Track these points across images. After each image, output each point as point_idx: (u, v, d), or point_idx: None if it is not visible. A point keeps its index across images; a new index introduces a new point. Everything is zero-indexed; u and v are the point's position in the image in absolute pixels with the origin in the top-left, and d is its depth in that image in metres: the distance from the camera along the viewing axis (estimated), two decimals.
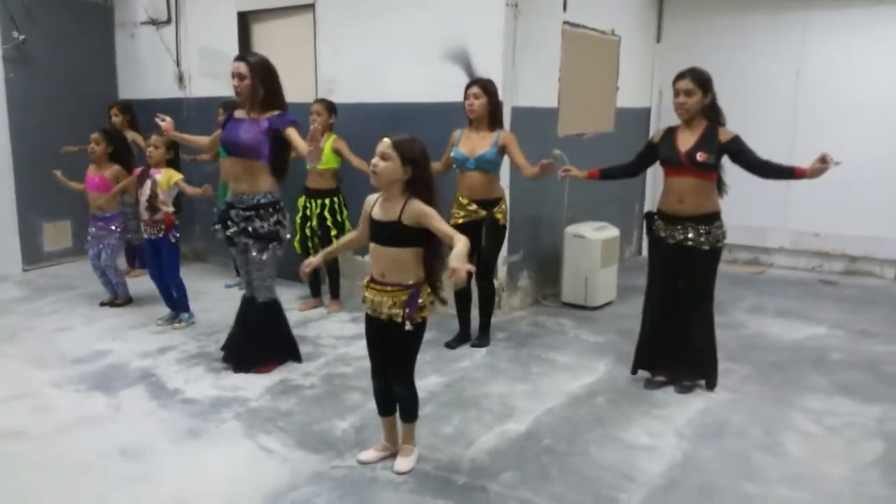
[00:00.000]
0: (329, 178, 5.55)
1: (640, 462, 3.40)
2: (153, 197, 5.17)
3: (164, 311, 5.55)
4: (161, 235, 5.24)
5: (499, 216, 4.77)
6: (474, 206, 4.72)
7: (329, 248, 3.61)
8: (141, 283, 6.59)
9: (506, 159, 4.80)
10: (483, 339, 4.99)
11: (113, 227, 5.77)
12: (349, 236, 3.49)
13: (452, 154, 4.75)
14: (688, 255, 4.05)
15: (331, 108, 5.55)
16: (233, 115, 4.37)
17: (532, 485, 3.19)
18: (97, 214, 5.77)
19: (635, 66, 7.35)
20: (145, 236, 5.33)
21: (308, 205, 5.61)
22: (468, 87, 4.71)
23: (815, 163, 3.71)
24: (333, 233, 5.51)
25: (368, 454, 3.41)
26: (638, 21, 7.42)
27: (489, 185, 4.73)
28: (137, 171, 5.40)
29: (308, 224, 5.61)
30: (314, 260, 3.42)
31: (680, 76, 4.00)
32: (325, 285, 5.94)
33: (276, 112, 4.24)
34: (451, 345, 4.96)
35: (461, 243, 2.84)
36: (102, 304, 5.90)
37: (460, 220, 4.72)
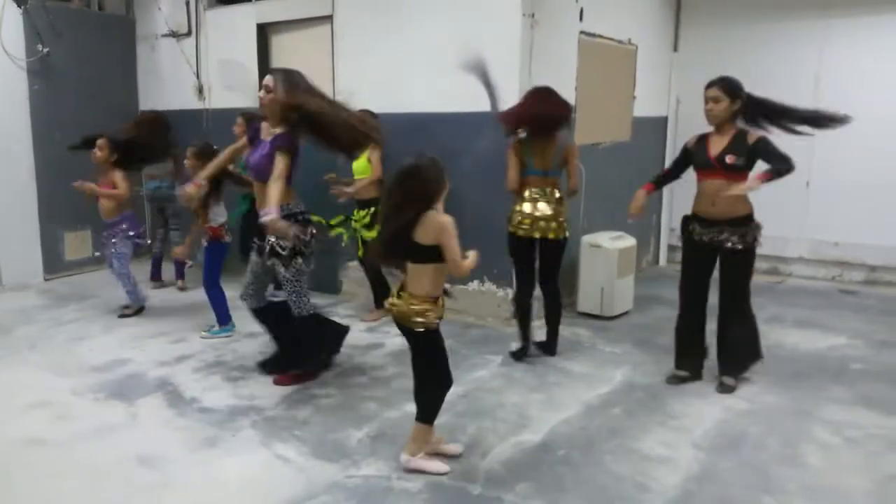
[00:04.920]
0: (371, 189, 5.51)
1: (656, 473, 3.37)
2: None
3: (180, 321, 5.60)
4: (206, 245, 5.27)
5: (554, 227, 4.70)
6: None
7: None
8: (158, 294, 6.67)
9: None
10: (550, 347, 4.96)
11: (116, 232, 5.74)
12: None
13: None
14: (724, 256, 4.19)
15: (373, 117, 5.55)
16: (259, 133, 4.32)
17: (548, 495, 3.17)
18: (105, 220, 5.81)
19: (652, 75, 7.33)
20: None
21: (353, 214, 5.63)
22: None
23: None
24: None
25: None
26: (655, 30, 7.41)
27: None
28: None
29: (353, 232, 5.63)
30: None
31: (710, 84, 4.18)
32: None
33: (280, 131, 4.18)
34: (518, 356, 4.93)
35: (465, 267, 3.12)
36: (122, 316, 5.87)
37: (520, 232, 4.72)
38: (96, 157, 5.71)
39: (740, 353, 4.34)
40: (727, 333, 4.34)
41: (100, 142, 5.72)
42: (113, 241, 5.75)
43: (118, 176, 5.71)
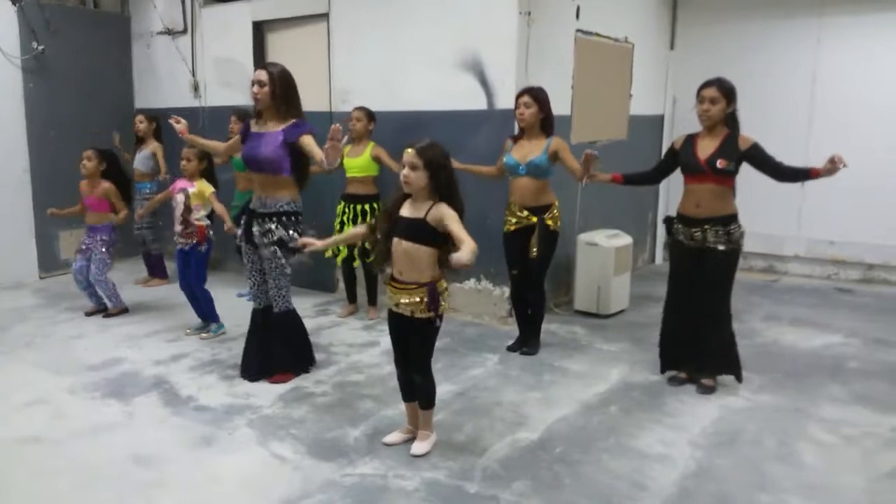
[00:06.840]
0: (369, 185, 5.55)
1: (653, 471, 3.37)
2: (186, 210, 5.15)
3: (175, 319, 5.58)
4: (192, 246, 5.20)
5: (549, 222, 4.74)
6: (525, 213, 4.73)
7: (333, 239, 3.83)
8: (154, 291, 6.67)
9: None
10: (532, 347, 4.98)
11: (100, 239, 5.69)
12: (356, 230, 3.69)
13: (505, 160, 4.78)
14: (707, 256, 4.15)
15: (370, 115, 5.57)
16: (250, 129, 4.36)
17: (544, 494, 3.17)
18: (89, 224, 5.76)
19: (649, 73, 7.33)
20: (177, 246, 5.26)
21: (346, 211, 5.59)
22: (519, 95, 4.72)
23: (826, 163, 3.85)
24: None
25: (393, 436, 3.65)
26: (651, 28, 7.41)
27: (540, 192, 4.73)
28: (174, 184, 5.34)
29: (345, 229, 5.57)
30: (319, 243, 3.61)
31: (707, 84, 4.09)
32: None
33: (291, 121, 4.23)
34: (513, 348, 5.01)
35: (468, 245, 3.03)
36: (88, 315, 5.86)
37: (512, 228, 4.78)
38: (86, 168, 5.64)
39: (716, 354, 4.28)
40: (704, 334, 4.26)
41: (87, 153, 5.65)
42: (92, 246, 5.71)
43: (109, 188, 5.67)
